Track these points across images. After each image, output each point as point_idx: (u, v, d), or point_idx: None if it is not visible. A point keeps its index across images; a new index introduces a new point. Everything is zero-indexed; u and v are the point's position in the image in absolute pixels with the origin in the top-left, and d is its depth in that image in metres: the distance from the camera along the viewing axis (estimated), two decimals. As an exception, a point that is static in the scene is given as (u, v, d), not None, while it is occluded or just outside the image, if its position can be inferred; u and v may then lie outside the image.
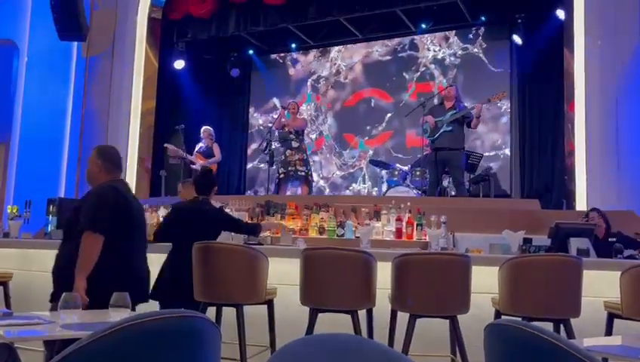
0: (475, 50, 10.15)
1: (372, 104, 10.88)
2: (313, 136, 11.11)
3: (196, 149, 8.54)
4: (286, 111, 8.14)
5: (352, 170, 10.86)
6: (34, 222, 6.04)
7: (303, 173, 7.73)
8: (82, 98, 9.53)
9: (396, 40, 10.76)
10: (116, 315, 2.30)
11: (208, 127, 8.61)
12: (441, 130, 7.02)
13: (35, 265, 5.10)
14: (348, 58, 11.20)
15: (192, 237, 3.80)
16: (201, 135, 8.56)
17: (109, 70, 9.48)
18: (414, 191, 7.42)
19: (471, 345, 3.24)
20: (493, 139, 9.76)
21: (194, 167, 8.43)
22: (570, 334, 3.24)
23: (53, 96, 9.57)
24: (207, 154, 8.46)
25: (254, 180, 11.55)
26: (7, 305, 4.50)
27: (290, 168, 7.71)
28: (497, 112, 9.71)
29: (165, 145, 8.69)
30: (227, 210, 5.34)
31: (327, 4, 9.24)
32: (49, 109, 9.52)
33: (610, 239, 4.55)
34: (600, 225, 4.88)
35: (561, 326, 3.32)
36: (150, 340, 1.65)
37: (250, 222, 5.19)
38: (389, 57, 10.87)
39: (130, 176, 9.10)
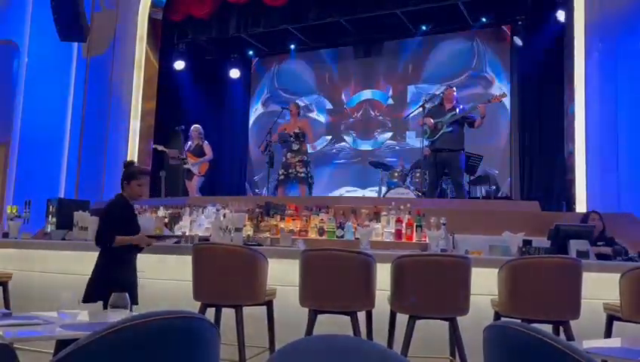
0: (476, 51, 10.15)
1: (372, 105, 10.88)
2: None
3: (185, 148, 8.53)
4: (287, 113, 8.15)
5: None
6: (34, 223, 6.03)
7: (302, 175, 7.73)
8: (82, 98, 9.53)
9: (396, 41, 10.77)
10: (115, 316, 2.30)
11: (198, 126, 8.60)
12: (441, 132, 7.01)
13: (34, 265, 5.10)
14: (348, 59, 11.20)
15: (98, 235, 3.84)
16: (190, 133, 8.54)
17: (110, 71, 9.49)
18: (414, 192, 7.41)
19: (470, 347, 3.24)
20: (493, 141, 9.75)
21: (186, 166, 8.42)
22: (570, 336, 3.23)
23: (53, 97, 9.57)
24: (197, 153, 8.44)
25: (254, 181, 11.56)
26: (7, 305, 4.50)
27: (290, 170, 7.70)
28: (497, 114, 9.71)
29: (154, 145, 8.68)
30: (227, 211, 5.32)
31: (328, 6, 9.24)
32: (49, 110, 9.52)
33: (599, 243, 4.54)
34: (597, 228, 4.88)
35: (561, 328, 3.32)
36: (149, 340, 1.65)
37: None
38: (389, 58, 10.87)
39: (130, 176, 9.08)
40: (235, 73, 11.56)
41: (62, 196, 8.54)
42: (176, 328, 1.69)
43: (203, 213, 5.52)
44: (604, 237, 4.78)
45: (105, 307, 2.96)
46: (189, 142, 8.52)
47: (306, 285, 3.51)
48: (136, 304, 3.62)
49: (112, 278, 3.66)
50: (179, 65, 10.44)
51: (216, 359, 1.82)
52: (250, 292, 3.57)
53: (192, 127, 8.59)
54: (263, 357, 3.77)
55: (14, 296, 4.63)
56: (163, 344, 1.67)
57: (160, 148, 8.56)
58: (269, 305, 3.77)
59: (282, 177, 7.77)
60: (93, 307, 2.61)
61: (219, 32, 9.96)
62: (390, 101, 10.76)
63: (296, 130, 7.80)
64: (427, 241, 4.78)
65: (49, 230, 5.54)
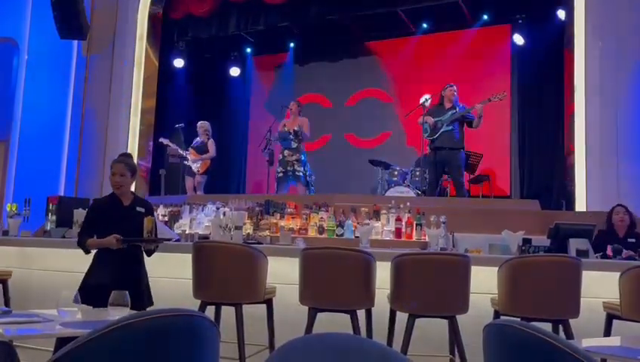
0: (476, 50, 10.14)
1: (372, 104, 10.87)
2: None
3: (192, 144, 8.52)
4: (287, 111, 8.15)
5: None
6: (33, 220, 6.03)
7: (300, 174, 7.73)
8: (82, 96, 9.52)
9: (397, 39, 10.75)
10: (115, 313, 2.30)
11: (205, 122, 8.55)
12: (441, 130, 7.02)
13: (34, 263, 5.10)
14: (348, 57, 11.19)
15: None
16: (198, 130, 8.52)
17: (109, 69, 9.47)
18: (414, 191, 7.41)
19: (470, 345, 3.24)
20: (493, 140, 9.74)
21: (186, 163, 8.40)
22: (569, 335, 3.24)
23: (53, 95, 9.56)
24: (202, 150, 8.42)
25: (253, 180, 11.54)
26: (7, 303, 4.51)
27: (288, 168, 7.71)
28: (497, 112, 9.70)
29: (160, 139, 8.67)
30: (227, 209, 5.32)
31: (328, 4, 9.23)
32: (49, 107, 9.52)
33: (629, 239, 4.44)
34: (624, 222, 4.69)
35: (560, 326, 3.32)
36: (149, 338, 1.65)
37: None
38: (389, 57, 10.85)
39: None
40: (234, 71, 11.55)
41: (62, 194, 8.54)
42: (176, 326, 1.69)
43: (203, 211, 5.52)
44: (634, 234, 4.61)
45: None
46: (198, 138, 8.50)
47: (305, 283, 3.51)
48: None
49: (85, 280, 3.62)
50: (178, 63, 10.43)
51: (216, 357, 1.82)
52: (249, 290, 3.57)
53: (199, 124, 8.53)
54: (262, 355, 3.78)
55: (14, 293, 4.63)
56: (163, 342, 1.67)
57: (165, 142, 8.55)
58: (269, 303, 3.77)
59: (280, 175, 7.78)
60: (80, 307, 2.56)
61: (219, 29, 9.95)
62: (390, 100, 10.74)
63: (296, 128, 7.80)
64: (427, 240, 4.78)
65: (49, 228, 5.53)
